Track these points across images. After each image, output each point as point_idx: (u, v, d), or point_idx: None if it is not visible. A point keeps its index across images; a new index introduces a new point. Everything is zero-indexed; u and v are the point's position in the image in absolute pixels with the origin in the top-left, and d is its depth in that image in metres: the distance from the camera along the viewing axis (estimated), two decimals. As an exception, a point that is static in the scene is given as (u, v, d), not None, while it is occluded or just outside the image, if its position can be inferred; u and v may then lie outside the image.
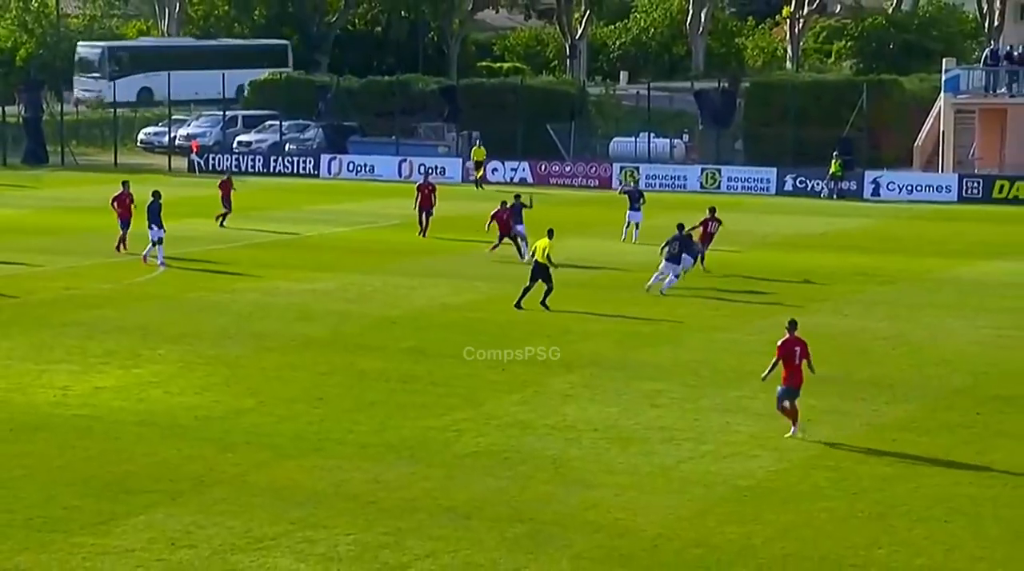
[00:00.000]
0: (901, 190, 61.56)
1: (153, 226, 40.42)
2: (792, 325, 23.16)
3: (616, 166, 67.51)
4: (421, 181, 48.69)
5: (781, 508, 19.84)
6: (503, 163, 68.53)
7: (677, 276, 36.22)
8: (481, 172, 65.89)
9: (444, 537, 18.57)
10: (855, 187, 61.98)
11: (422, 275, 39.58)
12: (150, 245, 40.54)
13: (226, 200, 49.78)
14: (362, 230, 49.61)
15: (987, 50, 70.30)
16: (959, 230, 50.77)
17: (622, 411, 24.88)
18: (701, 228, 39.86)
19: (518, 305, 33.93)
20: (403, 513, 19.51)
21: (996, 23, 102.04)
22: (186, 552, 18.01)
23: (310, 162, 72.75)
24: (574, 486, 20.76)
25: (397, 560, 17.82)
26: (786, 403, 23.02)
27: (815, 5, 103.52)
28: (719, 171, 65.84)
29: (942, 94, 66.84)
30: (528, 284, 34.05)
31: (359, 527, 18.94)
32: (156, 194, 41.20)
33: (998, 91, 65.23)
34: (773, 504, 20.03)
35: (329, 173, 71.64)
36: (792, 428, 23.08)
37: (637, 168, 66.34)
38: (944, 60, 71.84)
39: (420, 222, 46.94)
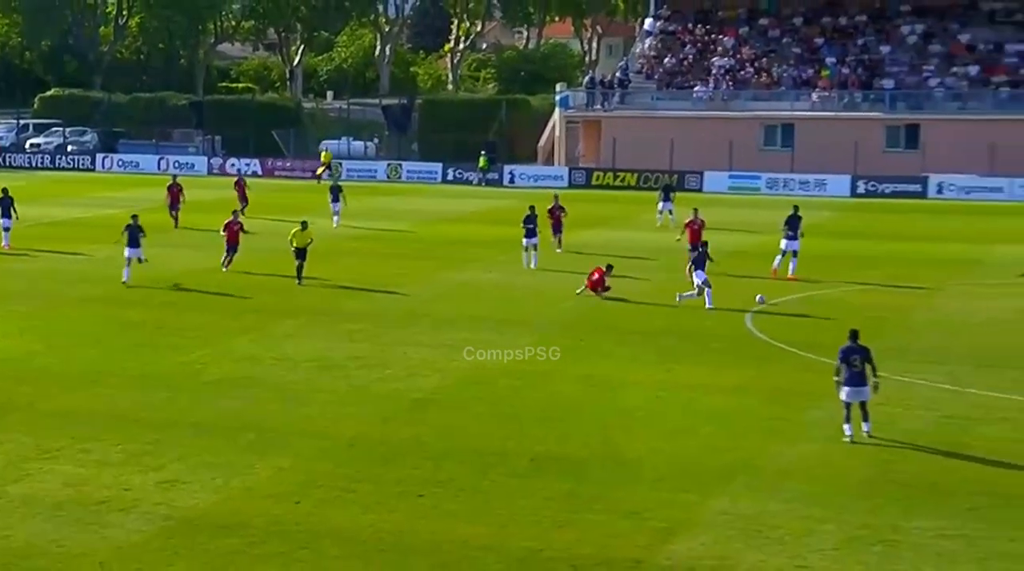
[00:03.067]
0: (529, 179, 62.45)
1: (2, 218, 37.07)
2: (608, 268, 30.08)
3: (325, 162, 66.55)
4: (171, 182, 43.68)
5: (443, 414, 19.97)
6: (239, 159, 66.77)
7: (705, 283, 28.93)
8: (322, 170, 61.22)
9: (193, 445, 18.04)
10: (497, 177, 62.62)
11: (176, 247, 38.25)
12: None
13: (242, 197, 44.16)
14: (128, 212, 47.27)
15: (587, 77, 72.01)
16: (569, 208, 51.66)
17: (328, 346, 24.58)
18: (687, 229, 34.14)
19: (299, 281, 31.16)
20: (161, 428, 18.86)
21: (594, 58, 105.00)
22: (-12, 466, 17.05)
23: (88, 160, 69.25)
24: (291, 403, 20.43)
25: (156, 462, 17.25)
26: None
27: (468, 43, 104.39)
28: (400, 165, 65.56)
29: (557, 109, 68.19)
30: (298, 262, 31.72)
31: (126, 439, 18.23)
32: (4, 190, 37.77)
33: (595, 107, 66.89)
34: (437, 411, 20.14)
35: (103, 168, 68.43)
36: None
37: (340, 163, 65.48)
38: (558, 84, 73.32)
39: (173, 218, 42.37)
